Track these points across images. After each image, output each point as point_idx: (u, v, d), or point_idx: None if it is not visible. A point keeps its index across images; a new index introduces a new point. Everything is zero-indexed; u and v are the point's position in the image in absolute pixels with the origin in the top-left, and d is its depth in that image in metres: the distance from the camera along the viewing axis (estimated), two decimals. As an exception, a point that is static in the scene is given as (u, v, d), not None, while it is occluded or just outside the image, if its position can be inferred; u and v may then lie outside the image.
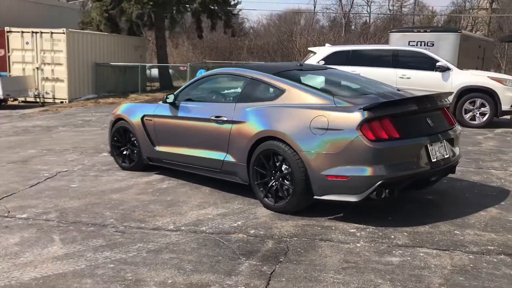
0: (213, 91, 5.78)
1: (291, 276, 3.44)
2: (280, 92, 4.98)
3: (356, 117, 4.27)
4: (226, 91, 5.65)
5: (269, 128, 4.80)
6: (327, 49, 11.98)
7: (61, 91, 18.06)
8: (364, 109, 4.27)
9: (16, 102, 17.77)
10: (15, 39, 18.20)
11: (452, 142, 4.89)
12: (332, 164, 4.37)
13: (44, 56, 18.02)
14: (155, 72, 24.47)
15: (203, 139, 5.52)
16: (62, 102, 17.85)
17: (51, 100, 17.89)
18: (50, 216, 4.82)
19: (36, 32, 17.91)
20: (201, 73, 28.91)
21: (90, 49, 19.33)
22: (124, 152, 6.72)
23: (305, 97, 4.79)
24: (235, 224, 4.51)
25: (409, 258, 3.75)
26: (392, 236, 4.19)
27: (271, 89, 5.10)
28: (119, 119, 6.70)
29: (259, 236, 4.22)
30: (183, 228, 4.44)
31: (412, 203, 5.11)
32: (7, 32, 18.23)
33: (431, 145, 4.56)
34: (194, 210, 4.94)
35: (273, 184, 4.80)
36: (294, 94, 4.87)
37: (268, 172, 4.84)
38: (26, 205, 5.17)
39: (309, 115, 4.57)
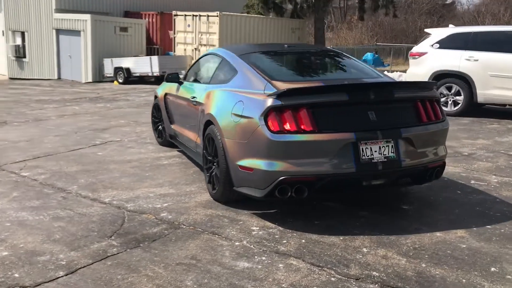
0: (203, 71, 5.73)
1: (121, 261, 3.36)
2: (233, 74, 4.72)
3: (263, 104, 3.83)
4: (209, 72, 5.54)
5: (209, 111, 4.62)
6: (444, 31, 10.49)
7: (213, 70, 19.45)
8: (270, 95, 3.79)
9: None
10: (179, 22, 20.20)
11: (411, 142, 3.99)
12: (243, 154, 4.02)
13: (201, 38, 19.64)
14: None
15: (187, 119, 5.59)
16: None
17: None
18: (41, 176, 5.47)
19: (196, 15, 19.58)
20: (368, 56, 28.00)
21: (242, 31, 20.33)
22: (159, 128, 7.11)
23: (249, 80, 4.45)
24: (160, 206, 4.50)
25: (259, 266, 3.29)
26: (284, 241, 3.70)
27: (229, 71, 4.85)
28: (156, 96, 7.11)
29: (162, 219, 4.16)
30: (114, 202, 4.61)
31: (369, 211, 4.36)
32: (174, 15, 20.34)
33: (364, 143, 3.82)
34: (148, 188, 5.05)
35: (213, 170, 4.61)
36: (243, 76, 4.56)
37: (210, 157, 4.67)
38: (40, 166, 5.94)
39: (233, 100, 4.26)
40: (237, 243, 3.66)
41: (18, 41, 23.02)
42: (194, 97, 5.28)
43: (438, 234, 3.86)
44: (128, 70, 18.74)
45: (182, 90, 5.88)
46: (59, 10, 20.97)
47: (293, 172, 3.74)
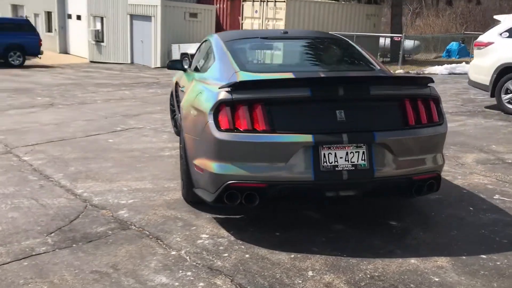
0: (199, 59, 5.34)
1: (38, 263, 3.12)
2: (213, 62, 4.29)
3: (214, 97, 3.38)
4: (201, 60, 5.14)
5: (182, 103, 4.25)
6: (514, 18, 9.21)
7: (278, 57, 18.98)
8: (222, 87, 3.33)
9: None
10: (248, 7, 19.91)
11: (389, 148, 3.35)
12: (197, 152, 3.62)
13: (267, 24, 19.22)
14: (389, 43, 23.11)
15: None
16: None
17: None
18: (38, 162, 5.44)
19: (263, 1, 19.16)
20: (453, 46, 25.96)
21: (310, 18, 19.61)
22: (175, 117, 6.87)
23: (220, 69, 4.02)
24: (124, 202, 4.23)
25: (176, 283, 2.89)
26: (226, 255, 3.25)
27: (211, 59, 4.42)
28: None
29: (117, 218, 3.88)
30: (84, 195, 4.41)
31: (346, 224, 3.77)
32: (242, 1, 20.08)
33: (327, 147, 3.25)
34: (128, 181, 4.81)
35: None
36: (218, 65, 4.13)
37: (182, 153, 4.31)
38: (45, 151, 5.94)
39: (196, 90, 3.85)
40: (173, 253, 3.28)
41: (98, 26, 24.03)
42: (183, 87, 4.95)
43: (412, 260, 3.21)
44: (193, 56, 18.78)
45: (184, 79, 5.56)
46: (134, -5, 21.54)
47: (242, 176, 3.28)
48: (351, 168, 3.28)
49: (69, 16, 27.04)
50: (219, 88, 3.35)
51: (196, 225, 3.74)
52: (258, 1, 19.43)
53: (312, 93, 3.26)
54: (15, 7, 32.71)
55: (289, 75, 3.65)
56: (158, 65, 20.48)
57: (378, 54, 22.46)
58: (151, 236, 3.54)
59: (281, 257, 3.22)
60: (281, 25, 18.72)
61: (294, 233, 3.60)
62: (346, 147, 3.28)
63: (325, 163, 3.25)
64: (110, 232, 3.61)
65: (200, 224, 3.74)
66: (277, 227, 3.69)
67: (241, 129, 3.25)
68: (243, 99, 3.27)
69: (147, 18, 20.86)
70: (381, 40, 22.36)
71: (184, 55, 19.20)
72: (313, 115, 3.32)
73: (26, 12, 31.43)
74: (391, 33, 21.75)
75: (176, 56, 19.75)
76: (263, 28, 19.24)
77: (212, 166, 3.37)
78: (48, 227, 3.67)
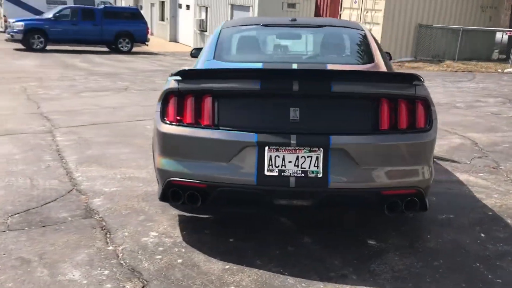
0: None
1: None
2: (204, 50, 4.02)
3: (164, 87, 3.14)
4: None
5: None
6: None
7: (375, 51, 18.00)
8: (172, 76, 3.06)
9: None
10: (347, -2, 19.12)
11: (350, 156, 2.84)
12: (153, 145, 3.40)
13: (365, 15, 18.29)
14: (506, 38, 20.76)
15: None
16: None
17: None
18: (64, 143, 5.62)
19: (364, -9, 18.26)
20: None
21: (414, 9, 18.24)
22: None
23: (202, 58, 3.75)
24: (108, 189, 4.18)
25: (85, 281, 2.72)
26: (158, 257, 3.02)
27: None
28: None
29: (88, 205, 3.83)
30: (79, 179, 4.44)
31: (316, 238, 3.32)
32: (342, -9, 19.34)
33: (275, 149, 2.84)
34: (128, 168, 4.76)
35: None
36: (203, 53, 3.86)
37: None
38: (80, 132, 6.12)
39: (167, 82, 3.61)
40: (109, 248, 3.13)
41: (203, 15, 24.75)
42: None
43: (359, 290, 2.71)
44: (286, 46, 18.55)
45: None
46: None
47: (182, 174, 3.01)
48: (300, 175, 2.84)
49: (180, 6, 28.22)
50: (170, 75, 3.09)
51: (155, 221, 3.54)
52: (358, -9, 18.55)
53: (261, 87, 2.87)
54: (136, -3, 34.98)
55: (255, 66, 3.27)
56: (253, 55, 20.54)
57: (496, 51, 20.34)
58: (103, 228, 3.42)
59: (213, 267, 2.91)
60: (379, 17, 17.69)
61: (250, 242, 3.25)
62: (297, 151, 2.85)
63: (270, 167, 2.85)
64: (70, 219, 3.56)
65: (160, 221, 3.54)
66: (236, 233, 3.37)
67: (184, 123, 2.98)
68: (190, 89, 2.98)
69: (245, 8, 20.99)
70: (498, 35, 20.17)
71: (277, 45, 19.04)
72: (261, 111, 2.94)
73: (143, 2, 33.47)
74: (510, 27, 19.52)
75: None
76: (361, 20, 18.36)
77: (158, 160, 3.15)
78: (18, 208, 3.72)
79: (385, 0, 17.47)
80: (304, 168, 2.84)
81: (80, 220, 3.54)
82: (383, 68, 3.38)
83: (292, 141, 2.82)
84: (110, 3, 28.65)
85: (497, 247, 3.27)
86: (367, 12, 18.21)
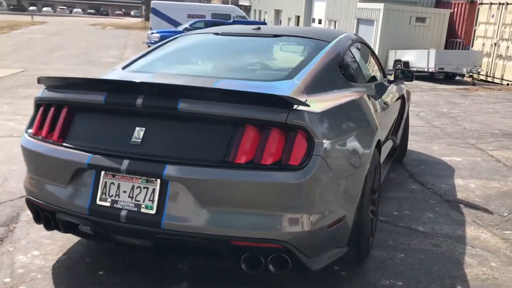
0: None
1: None
2: None
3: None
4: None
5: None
6: None
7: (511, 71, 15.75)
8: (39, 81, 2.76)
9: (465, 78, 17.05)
10: (483, 12, 17.10)
11: (190, 192, 2.26)
12: None
13: (503, 31, 16.12)
14: None
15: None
16: (508, 84, 15.62)
17: (490, 79, 16.12)
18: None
19: (502, 3, 16.13)
20: None
21: None
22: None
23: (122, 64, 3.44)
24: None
25: None
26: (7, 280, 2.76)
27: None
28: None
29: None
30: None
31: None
32: (479, 4, 17.34)
33: (111, 175, 2.40)
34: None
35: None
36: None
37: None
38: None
39: None
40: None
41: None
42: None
43: None
44: (406, 64, 17.13)
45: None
46: (363, -1, 20.93)
47: (33, 193, 2.73)
48: (132, 209, 2.36)
49: (313, 20, 28.12)
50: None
51: (38, 242, 3.27)
52: (496, 3, 16.42)
53: (105, 100, 2.46)
54: (277, 12, 35.87)
55: (141, 77, 2.84)
56: (373, 71, 19.43)
57: None
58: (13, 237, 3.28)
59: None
60: (519, 33, 15.43)
61: (125, 275, 2.83)
62: (134, 179, 2.37)
63: (103, 195, 2.42)
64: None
65: (59, 238, 3.29)
66: (121, 264, 2.97)
67: (39, 136, 2.70)
68: (50, 99, 2.70)
69: (370, 22, 20.01)
70: None
71: (397, 62, 17.77)
72: (104, 129, 2.52)
73: (282, 16, 34.11)
74: None
75: (391, 62, 18.43)
76: (497, 35, 16.21)
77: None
78: (-43, 207, 3.78)
79: (526, 14, 15.20)
80: (139, 201, 2.36)
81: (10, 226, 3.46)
82: (296, 88, 2.66)
83: (122, 167, 2.35)
84: (247, 18, 29.70)
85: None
86: (505, 27, 16.04)
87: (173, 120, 2.38)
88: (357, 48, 3.96)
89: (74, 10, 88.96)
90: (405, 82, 5.77)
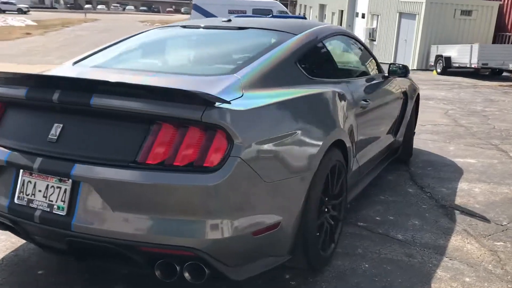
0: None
1: None
2: None
3: None
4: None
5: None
6: None
7: None
8: None
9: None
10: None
11: (97, 193, 2.13)
12: None
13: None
14: None
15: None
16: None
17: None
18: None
19: (554, -6, 15.07)
20: None
21: None
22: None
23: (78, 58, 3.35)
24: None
25: None
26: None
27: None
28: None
29: None
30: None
31: None
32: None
33: (29, 173, 2.31)
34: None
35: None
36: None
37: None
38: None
39: None
40: None
41: (374, 24, 23.55)
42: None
43: None
44: (448, 59, 16.35)
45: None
46: (407, -8, 20.14)
47: None
48: (45, 209, 2.25)
49: (357, 15, 27.43)
50: None
51: (9, 234, 3.26)
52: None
53: (26, 95, 2.36)
54: (322, 7, 35.33)
55: (81, 73, 2.74)
56: (414, 67, 18.71)
57: None
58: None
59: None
60: None
61: (64, 275, 2.75)
62: (49, 178, 2.27)
63: (21, 194, 2.33)
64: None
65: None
66: (66, 265, 2.89)
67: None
68: None
69: (412, 16, 19.24)
70: None
71: (439, 57, 17.01)
72: (26, 125, 2.42)
73: (326, 11, 33.53)
74: None
75: (432, 58, 17.69)
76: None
77: None
78: None
79: None
80: (52, 201, 2.25)
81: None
82: (232, 84, 2.45)
83: (35, 165, 2.25)
84: (288, 13, 29.34)
85: None
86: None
87: (87, 116, 2.26)
88: (337, 41, 3.69)
89: (127, 7, 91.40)
90: (412, 78, 5.43)
